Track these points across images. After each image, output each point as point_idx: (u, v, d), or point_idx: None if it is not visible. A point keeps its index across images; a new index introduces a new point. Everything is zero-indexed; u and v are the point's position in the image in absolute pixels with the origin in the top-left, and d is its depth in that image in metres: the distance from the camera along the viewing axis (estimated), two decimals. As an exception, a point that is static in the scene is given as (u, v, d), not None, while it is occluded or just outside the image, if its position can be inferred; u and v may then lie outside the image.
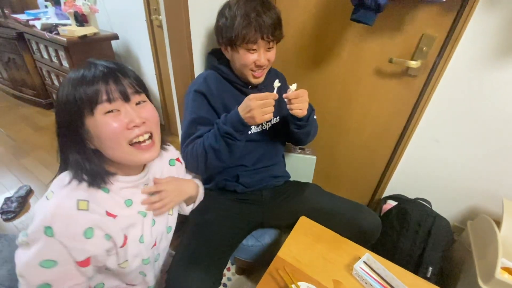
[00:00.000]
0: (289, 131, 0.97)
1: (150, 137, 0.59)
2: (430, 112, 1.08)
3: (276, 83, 0.80)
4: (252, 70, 0.88)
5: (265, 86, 0.98)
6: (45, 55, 2.16)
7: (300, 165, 1.24)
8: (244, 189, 0.98)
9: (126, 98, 0.54)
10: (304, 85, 1.28)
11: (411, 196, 1.25)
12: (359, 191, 1.45)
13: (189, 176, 0.88)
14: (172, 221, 0.77)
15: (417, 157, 1.19)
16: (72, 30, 1.76)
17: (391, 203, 1.25)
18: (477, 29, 0.90)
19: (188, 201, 0.84)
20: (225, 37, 0.85)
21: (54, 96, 2.51)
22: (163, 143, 0.72)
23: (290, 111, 0.83)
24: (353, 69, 1.16)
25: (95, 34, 1.87)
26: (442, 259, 1.03)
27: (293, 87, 0.81)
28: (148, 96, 0.61)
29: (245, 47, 0.83)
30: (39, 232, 0.49)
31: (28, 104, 2.78)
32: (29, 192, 1.69)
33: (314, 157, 1.24)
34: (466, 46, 0.93)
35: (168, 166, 0.78)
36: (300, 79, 1.30)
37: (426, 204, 1.16)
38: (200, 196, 0.87)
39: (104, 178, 0.57)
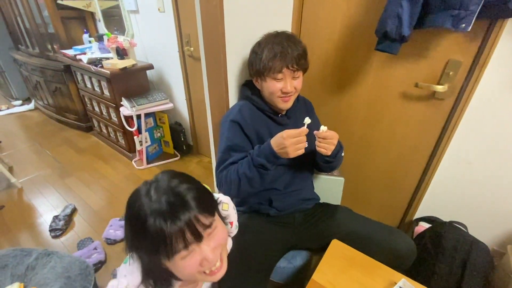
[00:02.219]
0: (315, 159, 1.02)
1: (219, 259, 0.59)
2: (460, 133, 1.08)
3: (307, 120, 0.84)
4: (280, 97, 0.95)
5: (294, 114, 1.04)
6: (89, 85, 2.39)
7: (328, 187, 1.26)
8: (277, 212, 1.03)
9: (198, 240, 0.52)
10: (330, 109, 1.35)
11: (445, 218, 1.22)
12: (388, 213, 1.43)
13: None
14: None
15: (449, 178, 1.17)
16: (114, 63, 1.96)
17: (424, 225, 1.23)
18: (504, 53, 0.91)
19: None
20: (255, 69, 0.94)
21: (94, 120, 2.74)
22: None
23: (317, 148, 0.88)
24: (378, 94, 1.20)
25: (133, 65, 2.07)
26: (482, 286, 0.99)
27: (323, 128, 0.86)
28: (217, 211, 0.60)
29: (272, 77, 0.91)
30: None
31: (70, 128, 3.06)
32: (74, 210, 1.84)
33: (342, 179, 1.26)
34: (494, 69, 0.94)
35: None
36: (326, 103, 1.36)
37: (461, 227, 1.13)
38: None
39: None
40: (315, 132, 0.87)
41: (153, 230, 0.48)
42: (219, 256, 0.58)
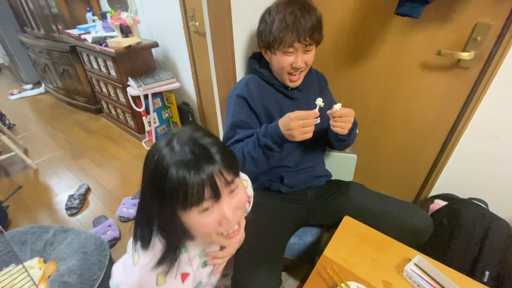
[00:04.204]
0: (327, 137, 0.97)
1: (238, 223, 0.58)
2: (486, 105, 1.00)
3: (319, 101, 0.78)
4: (289, 74, 0.89)
5: (307, 87, 0.99)
6: (95, 65, 2.37)
7: (340, 164, 1.23)
8: (288, 189, 1.01)
9: (218, 196, 0.50)
10: (344, 82, 1.28)
11: (463, 195, 1.17)
12: (402, 190, 1.39)
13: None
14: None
15: (470, 154, 1.11)
16: (118, 41, 1.92)
17: (440, 203, 1.19)
18: (542, 13, 0.81)
19: None
20: (264, 40, 0.88)
21: (103, 102, 2.74)
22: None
23: (332, 128, 0.82)
24: (396, 64, 1.12)
25: (138, 43, 2.01)
26: (501, 264, 0.96)
27: (337, 106, 0.80)
28: (238, 172, 0.57)
29: (282, 50, 0.85)
30: None
31: (80, 110, 3.08)
32: (88, 190, 1.88)
33: (355, 156, 1.22)
34: (529, 33, 0.85)
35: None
36: (339, 76, 1.28)
37: (481, 204, 1.09)
38: None
39: (184, 243, 0.59)
40: (329, 112, 0.81)
41: (175, 180, 0.46)
42: (238, 219, 0.56)
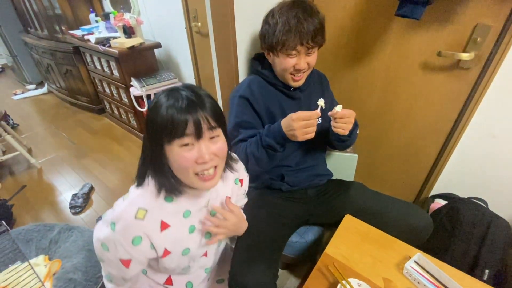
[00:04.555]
0: (328, 137, 0.98)
1: (214, 168, 0.63)
2: (485, 105, 1.01)
3: (321, 102, 0.79)
4: (291, 74, 0.91)
5: (308, 87, 1.00)
6: (98, 66, 2.39)
7: (341, 164, 1.24)
8: (289, 187, 1.02)
9: (200, 135, 0.57)
10: (345, 82, 1.29)
11: (463, 194, 1.18)
12: (403, 189, 1.40)
13: (245, 200, 0.91)
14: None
15: (470, 154, 1.12)
16: (122, 42, 1.93)
17: (440, 202, 1.20)
18: (541, 14, 0.83)
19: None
20: (267, 42, 0.89)
21: (106, 102, 2.76)
22: (231, 168, 0.75)
23: (333, 129, 0.83)
24: (396, 65, 1.13)
25: (141, 44, 2.03)
26: (500, 262, 0.97)
27: (338, 107, 0.81)
28: (224, 128, 0.64)
29: (285, 53, 0.86)
30: (107, 222, 0.62)
31: (83, 110, 3.11)
32: (91, 189, 1.90)
33: (356, 155, 1.23)
34: (528, 34, 0.86)
35: (233, 183, 0.81)
36: (341, 76, 1.30)
37: (481, 203, 1.10)
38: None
39: (174, 190, 0.63)
40: (330, 113, 0.82)
41: (165, 116, 0.55)
42: (215, 164, 0.62)
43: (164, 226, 0.64)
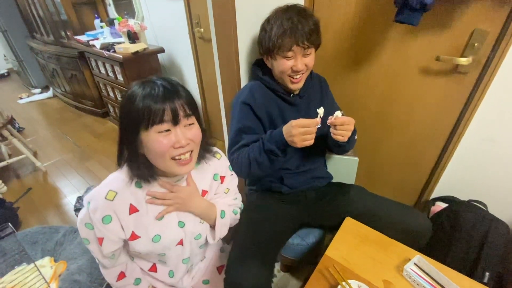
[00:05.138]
0: (326, 142, 1.00)
1: (190, 153, 0.66)
2: (484, 109, 1.02)
3: (320, 111, 0.80)
4: (290, 76, 0.92)
5: (307, 93, 1.01)
6: (102, 71, 2.43)
7: (342, 167, 1.25)
8: (288, 190, 1.03)
9: (177, 122, 0.61)
10: (345, 86, 1.31)
11: (464, 197, 1.19)
12: (404, 193, 1.41)
13: (227, 199, 0.88)
14: (202, 230, 0.81)
15: (469, 157, 1.13)
16: (126, 47, 1.97)
17: (441, 205, 1.21)
18: (537, 20, 0.84)
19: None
20: (264, 47, 0.91)
21: (110, 106, 2.80)
22: (206, 158, 0.77)
23: (332, 135, 0.85)
24: (395, 69, 1.15)
25: (144, 49, 2.07)
26: (501, 264, 0.98)
27: (338, 113, 0.82)
28: (198, 116, 0.67)
29: (281, 55, 0.88)
30: (85, 202, 0.67)
31: (87, 114, 3.15)
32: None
33: (356, 158, 1.24)
34: (525, 39, 0.88)
35: (211, 179, 0.82)
36: (341, 80, 1.32)
37: (481, 206, 1.10)
38: (221, 228, 0.83)
39: (145, 178, 0.67)
40: (329, 121, 0.83)
41: (141, 104, 0.58)
42: (191, 148, 0.65)
43: (132, 209, 0.68)
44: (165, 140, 0.60)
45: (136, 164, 0.65)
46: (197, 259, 0.90)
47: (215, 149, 0.83)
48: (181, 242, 0.77)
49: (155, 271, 0.82)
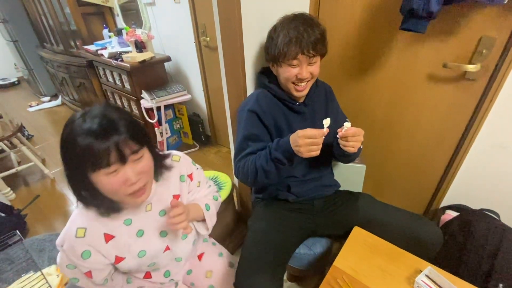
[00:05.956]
0: (333, 151, 0.99)
1: (143, 186, 0.65)
2: (493, 116, 1.01)
3: (326, 122, 0.79)
4: (294, 84, 0.92)
5: (312, 101, 1.01)
6: (110, 79, 2.47)
7: (349, 174, 1.24)
8: (295, 198, 1.02)
9: (123, 161, 0.58)
10: (351, 93, 1.31)
11: (475, 206, 1.16)
12: (413, 201, 1.39)
13: (202, 191, 0.90)
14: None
15: (480, 164, 1.11)
16: (133, 56, 2.01)
17: (451, 214, 1.18)
18: (547, 26, 0.83)
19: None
20: (270, 54, 0.92)
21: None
22: (165, 168, 0.76)
23: (343, 147, 0.84)
24: (402, 76, 1.14)
25: (151, 58, 2.10)
26: (515, 276, 0.94)
27: (347, 125, 0.81)
28: (148, 143, 0.65)
29: (287, 63, 0.89)
30: (59, 247, 0.67)
31: (95, 121, 3.19)
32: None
33: (364, 166, 1.23)
34: (534, 45, 0.87)
35: (179, 182, 0.82)
36: (347, 88, 1.32)
37: (493, 215, 1.08)
38: (211, 218, 0.87)
39: (110, 210, 0.66)
40: (340, 134, 0.82)
41: (83, 146, 0.54)
42: (143, 182, 0.64)
43: (108, 237, 0.68)
44: (114, 180, 0.58)
45: (97, 202, 0.64)
46: (193, 254, 0.92)
47: (172, 153, 0.82)
48: (167, 248, 0.78)
49: (150, 277, 0.82)
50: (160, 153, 0.75)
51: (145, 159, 0.64)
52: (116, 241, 0.69)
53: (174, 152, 0.84)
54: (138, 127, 0.63)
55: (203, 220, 0.86)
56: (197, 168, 0.89)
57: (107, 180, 0.58)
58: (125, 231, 0.71)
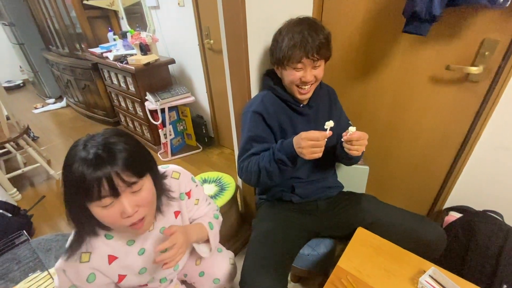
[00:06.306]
0: (336, 153, 1.00)
1: (142, 219, 0.63)
2: (497, 118, 1.01)
3: (329, 124, 0.80)
4: (298, 87, 0.94)
5: (316, 103, 1.02)
6: (115, 81, 2.50)
7: (353, 176, 1.25)
8: (299, 199, 1.03)
9: (118, 194, 0.56)
10: (354, 96, 1.32)
11: (478, 207, 1.16)
12: (416, 202, 1.39)
13: (201, 209, 0.88)
14: None
15: (483, 166, 1.11)
16: (138, 59, 2.03)
17: (455, 215, 1.18)
18: (549, 29, 0.84)
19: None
20: (275, 57, 0.94)
21: (121, 116, 2.87)
22: (172, 199, 0.76)
23: (348, 151, 0.85)
24: (405, 78, 1.15)
25: (156, 60, 2.13)
26: (520, 277, 0.95)
27: (352, 129, 0.82)
28: (151, 171, 0.63)
29: (291, 66, 0.90)
30: (59, 271, 0.65)
31: (99, 123, 3.22)
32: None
33: (367, 167, 1.24)
34: (537, 48, 0.87)
35: (179, 199, 0.80)
36: (350, 90, 1.33)
37: (497, 216, 1.08)
38: (215, 238, 0.85)
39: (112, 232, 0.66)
40: (345, 138, 0.83)
41: (76, 174, 0.52)
42: (141, 215, 0.61)
43: (111, 259, 0.68)
44: (109, 213, 0.56)
45: (96, 227, 0.63)
46: (190, 259, 0.93)
47: (172, 168, 0.79)
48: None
49: (146, 285, 0.82)
50: (160, 169, 0.73)
51: (145, 190, 0.61)
52: (119, 261, 0.69)
53: (173, 167, 0.81)
54: (140, 157, 0.60)
55: (206, 241, 0.84)
56: (196, 185, 0.86)
57: (102, 212, 0.56)
58: (127, 251, 0.71)
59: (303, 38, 0.85)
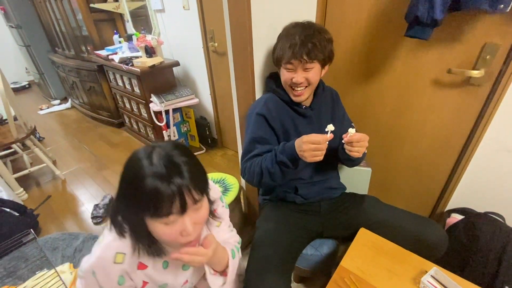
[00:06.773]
0: (338, 156, 1.01)
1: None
2: (498, 120, 1.02)
3: (330, 127, 0.81)
4: (291, 88, 0.96)
5: (318, 105, 1.04)
6: (120, 83, 2.54)
7: (355, 177, 1.26)
8: (303, 200, 1.05)
9: (184, 211, 0.55)
10: (357, 98, 1.33)
11: (480, 209, 1.17)
12: (418, 204, 1.40)
13: (222, 232, 0.83)
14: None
15: (485, 168, 1.12)
16: (143, 61, 2.07)
17: (457, 217, 1.19)
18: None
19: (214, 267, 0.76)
20: (274, 57, 0.98)
21: (125, 117, 2.90)
22: (213, 216, 0.73)
23: (348, 152, 0.86)
24: (407, 81, 1.17)
25: (161, 63, 2.16)
26: (521, 279, 0.95)
27: (352, 130, 0.83)
28: (207, 191, 0.61)
29: (284, 66, 0.93)
30: (88, 273, 0.61)
31: (104, 124, 3.26)
32: (111, 200, 1.98)
33: (369, 169, 1.25)
34: (538, 52, 0.89)
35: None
36: (353, 92, 1.34)
37: (498, 218, 1.09)
38: (233, 269, 0.77)
39: (153, 253, 0.63)
40: (346, 139, 0.84)
41: (149, 189, 0.51)
42: (197, 233, 0.61)
43: (142, 266, 0.66)
44: (170, 231, 0.56)
45: (144, 242, 0.61)
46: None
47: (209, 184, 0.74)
48: (186, 282, 0.76)
49: None
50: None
51: (204, 208, 0.61)
52: (147, 271, 0.68)
53: (210, 183, 0.77)
54: (202, 173, 0.59)
55: (219, 272, 0.76)
56: (223, 206, 0.83)
57: (163, 229, 0.55)
58: (155, 262, 0.69)
59: (294, 40, 0.88)
